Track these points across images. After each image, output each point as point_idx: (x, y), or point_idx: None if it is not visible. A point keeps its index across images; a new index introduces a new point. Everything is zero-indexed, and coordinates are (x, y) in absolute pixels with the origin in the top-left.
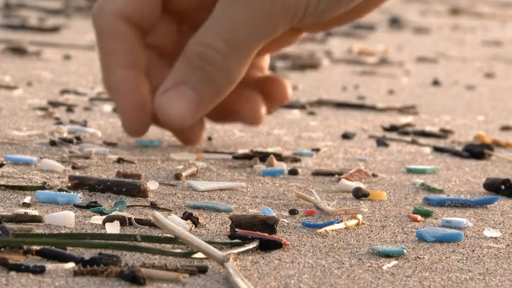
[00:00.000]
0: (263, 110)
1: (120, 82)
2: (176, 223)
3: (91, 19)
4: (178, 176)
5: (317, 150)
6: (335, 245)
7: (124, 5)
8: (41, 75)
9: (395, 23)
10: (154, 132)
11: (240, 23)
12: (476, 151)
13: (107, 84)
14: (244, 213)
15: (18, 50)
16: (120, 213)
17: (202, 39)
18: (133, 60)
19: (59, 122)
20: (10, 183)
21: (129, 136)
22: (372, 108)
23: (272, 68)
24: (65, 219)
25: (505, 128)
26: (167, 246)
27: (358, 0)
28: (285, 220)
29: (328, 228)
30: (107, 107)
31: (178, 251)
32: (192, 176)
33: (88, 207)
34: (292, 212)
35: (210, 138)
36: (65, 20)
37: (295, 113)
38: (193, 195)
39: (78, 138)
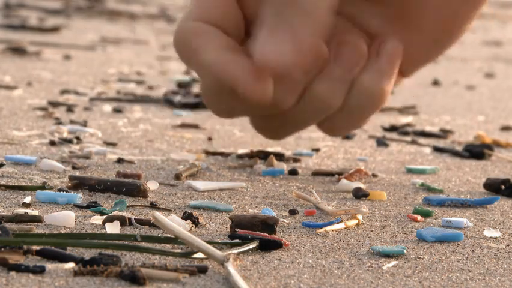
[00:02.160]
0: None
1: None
2: (176, 223)
3: (173, 39)
4: (178, 176)
5: (317, 150)
6: (335, 245)
7: (208, 12)
8: (41, 75)
9: None
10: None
11: None
12: (476, 151)
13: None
14: (244, 213)
15: (18, 50)
16: (120, 213)
17: None
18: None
19: (59, 122)
20: (10, 183)
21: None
22: None
23: None
24: (65, 219)
25: (505, 128)
26: (167, 246)
27: None
28: (285, 220)
29: (328, 228)
30: (107, 107)
31: (178, 251)
32: (192, 176)
33: (88, 207)
34: (292, 212)
35: (210, 138)
36: (65, 20)
37: None
38: (193, 195)
39: (78, 138)
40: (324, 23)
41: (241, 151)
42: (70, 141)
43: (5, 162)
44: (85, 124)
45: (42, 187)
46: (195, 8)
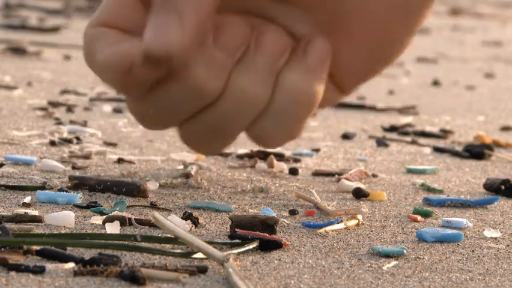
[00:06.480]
0: None
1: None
2: (176, 223)
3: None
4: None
5: (317, 150)
6: (335, 245)
7: (106, 15)
8: (41, 75)
9: None
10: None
11: None
12: (476, 151)
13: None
14: (244, 213)
15: (18, 50)
16: (120, 213)
17: None
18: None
19: (59, 122)
20: (10, 183)
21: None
22: (372, 108)
23: None
24: (65, 219)
25: (505, 128)
26: (167, 246)
27: None
28: (285, 220)
29: (328, 228)
30: (107, 107)
31: (178, 251)
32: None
33: (88, 207)
34: (292, 212)
35: None
36: (65, 20)
37: None
38: (193, 195)
39: (78, 138)
40: (211, 2)
41: (241, 151)
42: (70, 141)
43: (5, 162)
44: (85, 124)
45: (42, 187)
46: (94, 15)
